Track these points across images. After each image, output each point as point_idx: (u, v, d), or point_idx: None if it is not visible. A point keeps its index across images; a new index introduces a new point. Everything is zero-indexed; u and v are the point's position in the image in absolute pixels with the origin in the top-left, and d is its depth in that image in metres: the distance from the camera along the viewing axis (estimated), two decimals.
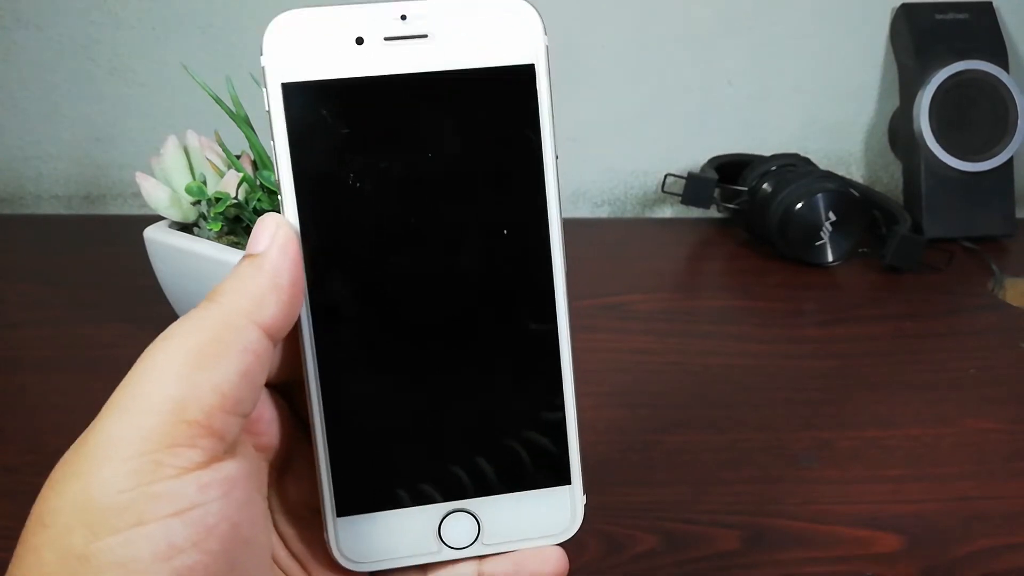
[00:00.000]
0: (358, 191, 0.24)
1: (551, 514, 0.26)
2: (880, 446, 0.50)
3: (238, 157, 0.54)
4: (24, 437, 0.49)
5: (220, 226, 0.52)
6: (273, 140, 0.24)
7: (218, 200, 0.52)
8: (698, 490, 0.46)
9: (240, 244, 0.54)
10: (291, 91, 0.24)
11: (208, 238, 0.53)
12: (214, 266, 0.52)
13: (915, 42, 0.81)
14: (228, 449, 0.22)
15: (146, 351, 0.22)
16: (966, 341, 0.63)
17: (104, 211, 0.88)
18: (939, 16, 0.81)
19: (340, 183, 0.24)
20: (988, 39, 0.80)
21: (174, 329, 0.22)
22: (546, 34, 0.25)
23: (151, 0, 0.81)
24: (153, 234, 0.54)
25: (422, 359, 0.25)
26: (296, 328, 0.24)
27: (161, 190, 0.54)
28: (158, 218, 0.55)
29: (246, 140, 0.54)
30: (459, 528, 0.26)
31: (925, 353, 0.61)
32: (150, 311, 0.59)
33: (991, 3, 0.82)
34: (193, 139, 0.55)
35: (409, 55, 0.24)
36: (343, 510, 0.25)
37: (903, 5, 0.83)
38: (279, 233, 0.23)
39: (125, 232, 0.62)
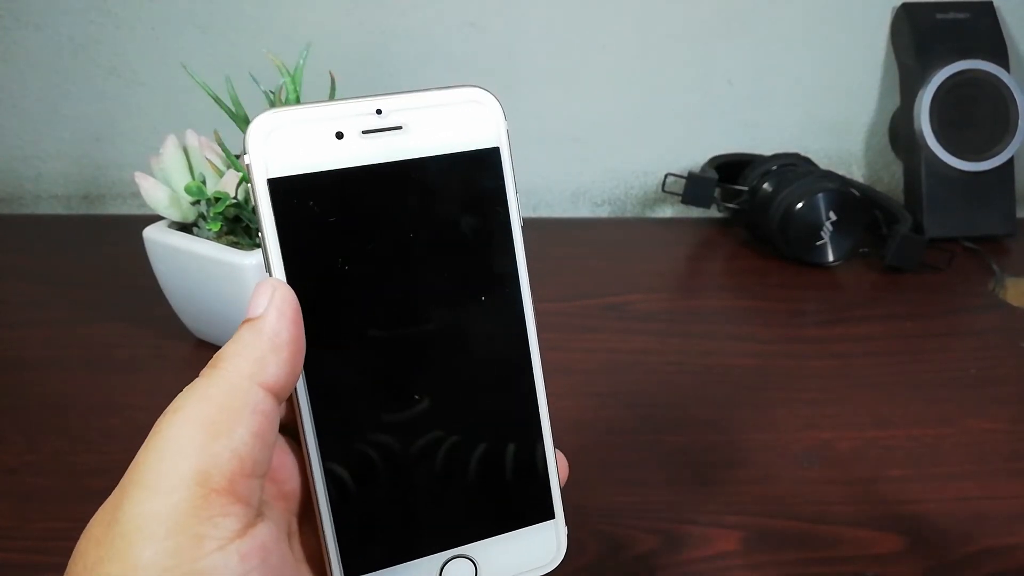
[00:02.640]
0: (346, 273, 0.26)
1: (539, 547, 0.28)
2: (880, 446, 0.49)
3: (237, 157, 0.54)
4: (24, 437, 0.49)
5: (219, 226, 0.52)
6: (262, 232, 0.25)
7: (217, 200, 0.52)
8: (698, 490, 0.46)
9: (240, 244, 0.53)
10: (277, 186, 0.25)
11: (207, 238, 0.53)
12: (213, 266, 0.52)
13: (916, 41, 0.81)
14: (258, 513, 0.22)
15: (156, 426, 0.22)
16: (967, 341, 0.63)
17: (103, 211, 0.88)
18: (940, 16, 0.81)
19: (329, 267, 0.26)
20: (988, 38, 0.80)
21: (181, 401, 0.22)
22: (506, 119, 0.27)
23: (151, 0, 0.81)
24: (152, 234, 0.54)
25: (413, 419, 0.27)
26: (294, 403, 0.26)
27: (160, 190, 0.54)
28: (157, 218, 0.55)
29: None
30: (458, 573, 0.27)
31: (925, 353, 0.61)
32: (150, 311, 0.59)
33: (991, 3, 0.82)
34: (192, 139, 0.55)
35: (386, 145, 0.26)
36: (351, 571, 0.26)
37: (903, 5, 0.83)
38: (276, 295, 0.24)
39: (124, 232, 0.62)
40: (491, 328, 0.28)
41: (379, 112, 0.26)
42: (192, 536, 0.20)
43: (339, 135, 0.26)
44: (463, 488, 0.27)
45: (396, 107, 0.26)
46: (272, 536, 0.22)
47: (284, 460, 0.26)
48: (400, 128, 0.26)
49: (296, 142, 0.25)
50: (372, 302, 0.26)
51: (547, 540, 0.29)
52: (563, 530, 0.29)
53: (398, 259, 0.26)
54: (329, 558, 0.26)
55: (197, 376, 0.23)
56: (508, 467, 0.28)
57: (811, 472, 0.47)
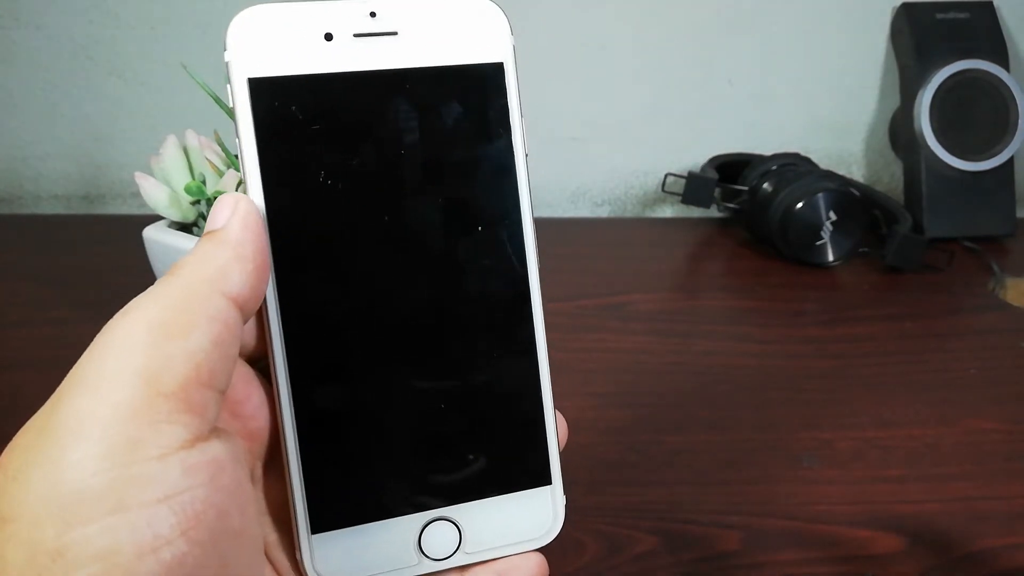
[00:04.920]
0: (327, 187, 0.24)
1: (533, 516, 0.26)
2: (880, 446, 0.49)
3: (237, 157, 0.54)
4: None
5: None
6: (239, 137, 0.23)
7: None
8: (698, 490, 0.45)
9: None
10: (258, 87, 0.23)
11: None
12: None
13: (916, 41, 0.81)
14: (211, 429, 0.20)
15: (107, 325, 0.20)
16: (967, 341, 0.63)
17: (103, 211, 0.88)
18: (939, 15, 0.81)
19: (309, 179, 0.23)
20: (988, 38, 0.80)
21: (136, 302, 0.20)
22: (513, 34, 0.25)
23: (151, 0, 0.81)
24: (152, 234, 0.54)
25: (395, 361, 0.24)
26: (266, 334, 0.24)
27: (160, 190, 0.54)
28: (157, 218, 0.55)
29: None
30: (440, 538, 0.25)
31: (925, 353, 0.61)
32: None
33: (991, 2, 0.82)
34: (192, 139, 0.55)
35: (379, 51, 0.24)
36: (318, 527, 0.24)
37: (903, 4, 0.83)
38: (239, 207, 0.23)
39: (125, 232, 0.62)
40: (487, 262, 0.25)
41: (373, 15, 0.24)
42: (130, 439, 0.18)
43: (328, 36, 0.23)
44: (449, 442, 0.25)
45: (392, 11, 0.24)
46: (228, 455, 0.20)
47: (251, 393, 0.23)
48: (395, 34, 0.24)
49: (281, 41, 0.23)
50: (355, 222, 0.24)
51: (542, 508, 0.26)
52: (561, 499, 0.26)
53: (386, 178, 0.24)
54: (295, 509, 0.24)
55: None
56: (501, 423, 0.25)
57: (811, 472, 0.47)
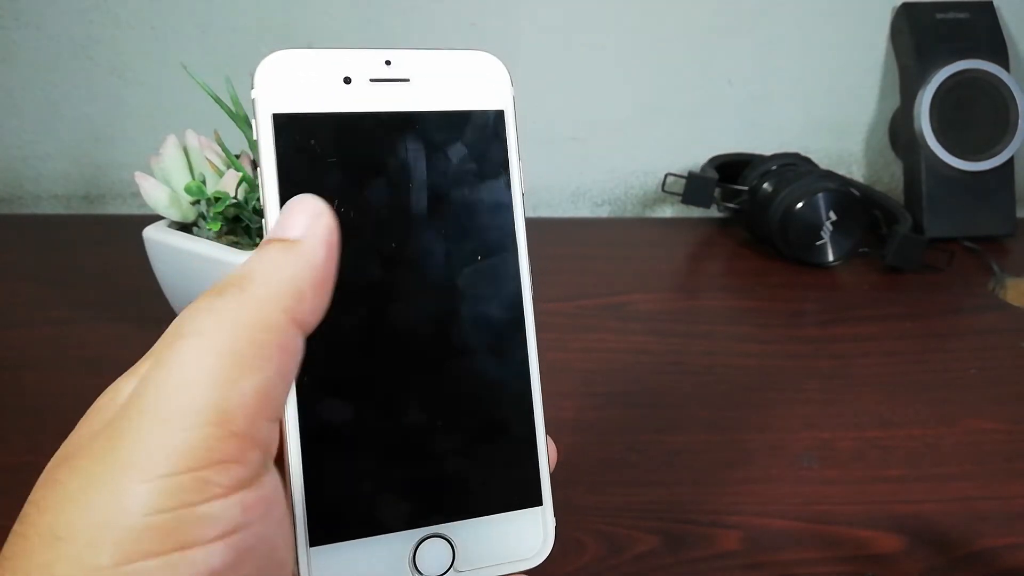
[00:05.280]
0: (340, 216, 0.25)
1: (523, 537, 0.27)
2: (880, 446, 0.49)
3: (237, 157, 0.54)
4: (24, 437, 0.49)
5: (219, 226, 0.52)
6: (260, 167, 0.25)
7: (217, 200, 0.52)
8: (698, 490, 0.45)
9: (240, 244, 0.53)
10: (281, 122, 0.25)
11: (207, 238, 0.53)
12: (213, 266, 0.52)
13: (915, 42, 0.81)
14: (267, 461, 0.20)
15: (173, 348, 0.19)
16: (967, 341, 0.63)
17: (103, 211, 0.88)
18: (939, 15, 0.81)
19: None
20: (988, 38, 0.80)
21: (202, 323, 0.19)
22: (513, 86, 0.28)
23: (151, 0, 0.81)
24: (152, 234, 0.54)
25: (396, 382, 0.26)
26: None
27: (160, 190, 0.54)
28: (158, 218, 0.55)
29: (245, 140, 0.54)
30: (433, 554, 0.26)
31: (925, 353, 0.61)
32: (150, 311, 0.59)
33: (991, 2, 0.82)
34: (192, 139, 0.55)
35: (392, 95, 0.26)
36: (316, 539, 0.25)
37: (903, 4, 0.83)
38: (320, 221, 0.21)
39: (125, 232, 0.62)
40: (484, 291, 0.27)
41: (388, 63, 0.26)
42: (197, 479, 0.18)
43: (347, 80, 0.26)
44: (445, 462, 0.26)
45: (405, 60, 0.27)
46: (276, 487, 0.20)
47: None
48: (407, 80, 0.27)
49: (304, 82, 0.25)
50: (363, 250, 0.26)
51: (533, 529, 0.27)
52: (551, 521, 0.27)
53: (394, 210, 0.26)
54: (295, 522, 0.24)
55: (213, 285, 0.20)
56: (495, 444, 0.27)
57: (811, 472, 0.47)
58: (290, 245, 0.21)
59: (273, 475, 0.20)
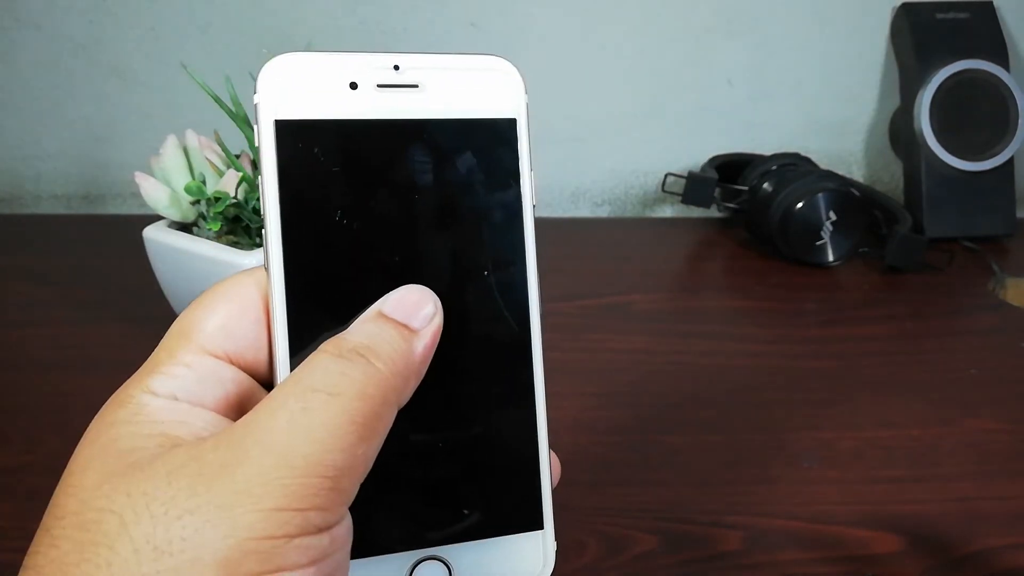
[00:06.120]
0: (343, 227, 0.25)
1: (523, 560, 0.26)
2: (880, 446, 0.49)
3: (237, 157, 0.54)
4: (24, 437, 0.49)
5: (219, 226, 0.52)
6: (261, 175, 0.24)
7: (217, 200, 0.52)
8: (698, 490, 0.45)
9: (240, 244, 0.53)
10: (283, 128, 0.24)
11: (207, 238, 0.53)
12: (213, 266, 0.52)
13: (915, 41, 0.81)
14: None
15: (306, 400, 0.21)
16: (967, 341, 0.63)
17: (104, 211, 0.88)
18: (939, 15, 0.81)
19: (326, 219, 0.24)
20: (988, 38, 0.80)
21: (336, 384, 0.21)
22: (527, 93, 0.27)
23: (151, 0, 0.81)
24: (152, 234, 0.54)
25: None
26: (275, 368, 0.24)
27: (160, 190, 0.54)
28: (158, 218, 0.55)
29: (245, 140, 0.54)
30: None
31: (925, 353, 0.61)
32: (150, 311, 0.59)
33: (991, 2, 0.82)
34: (192, 139, 0.55)
35: (399, 102, 0.25)
36: None
37: (903, 4, 0.83)
38: (436, 320, 0.24)
39: (125, 232, 0.62)
40: (490, 307, 0.26)
41: (397, 68, 0.25)
42: (302, 517, 0.20)
43: (353, 86, 0.25)
44: (445, 484, 0.25)
45: (415, 65, 0.25)
46: (351, 524, 0.22)
47: None
48: (416, 87, 0.25)
49: (309, 87, 0.24)
50: (366, 262, 0.25)
51: (533, 553, 0.26)
52: (552, 545, 0.27)
53: (399, 221, 0.25)
54: None
55: (342, 348, 0.22)
56: (496, 467, 0.26)
57: (811, 472, 0.47)
58: (409, 333, 0.23)
59: (348, 517, 0.22)
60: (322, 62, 0.25)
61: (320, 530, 0.20)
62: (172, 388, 0.23)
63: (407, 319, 0.23)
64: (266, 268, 0.24)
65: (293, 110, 0.24)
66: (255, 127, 0.24)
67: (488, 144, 0.26)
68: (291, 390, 0.21)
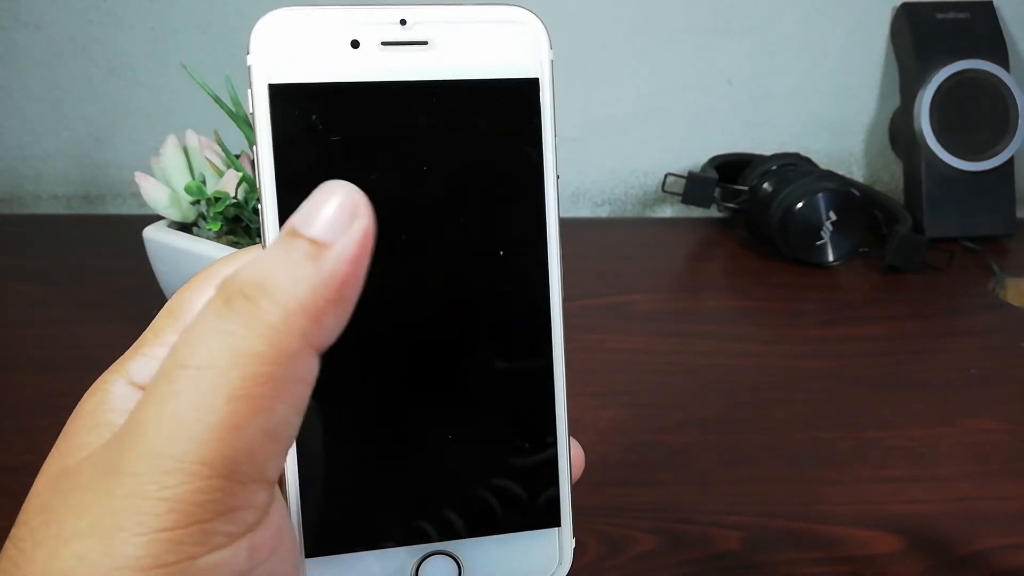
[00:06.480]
0: None
1: (537, 558, 0.25)
2: (880, 446, 0.49)
3: (237, 157, 0.54)
4: (24, 437, 0.49)
5: (219, 226, 0.52)
6: (256, 144, 0.22)
7: (217, 200, 0.52)
8: (698, 490, 0.45)
9: (240, 244, 0.53)
10: (278, 93, 0.22)
11: (207, 238, 0.53)
12: None
13: (915, 41, 0.81)
14: (273, 492, 0.18)
15: (175, 382, 0.17)
16: (967, 341, 0.63)
17: (103, 211, 0.88)
18: (939, 15, 0.81)
19: None
20: (988, 38, 0.80)
21: (208, 351, 0.17)
22: (551, 48, 0.24)
23: (151, 0, 0.81)
24: (152, 234, 0.54)
25: (404, 387, 0.23)
26: None
27: (160, 190, 0.54)
28: (158, 218, 0.55)
29: (245, 140, 0.54)
30: (438, 572, 0.24)
31: (925, 353, 0.61)
32: (150, 311, 0.59)
33: (991, 2, 0.82)
34: (192, 139, 0.55)
35: (407, 62, 0.23)
36: (311, 550, 0.23)
37: (903, 4, 0.83)
38: (357, 224, 0.18)
39: (125, 232, 0.62)
40: (507, 291, 0.24)
41: (403, 23, 0.23)
42: (201, 531, 0.16)
43: (355, 44, 0.22)
44: (454, 474, 0.24)
45: (423, 19, 0.23)
46: (283, 516, 0.19)
47: None
48: (425, 43, 0.23)
49: (306, 47, 0.22)
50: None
51: (548, 551, 0.25)
52: (569, 542, 0.25)
53: (406, 195, 0.23)
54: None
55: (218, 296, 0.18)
56: (511, 458, 0.24)
57: (811, 472, 0.47)
58: (316, 250, 0.17)
59: (279, 504, 0.19)
60: (320, 18, 0.22)
61: (232, 538, 0.17)
62: (151, 370, 0.20)
63: (311, 229, 0.18)
64: (263, 247, 0.23)
65: (289, 73, 0.22)
66: (248, 91, 0.22)
67: (507, 108, 0.23)
68: (163, 368, 0.17)
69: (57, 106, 0.84)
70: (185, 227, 0.55)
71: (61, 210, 0.87)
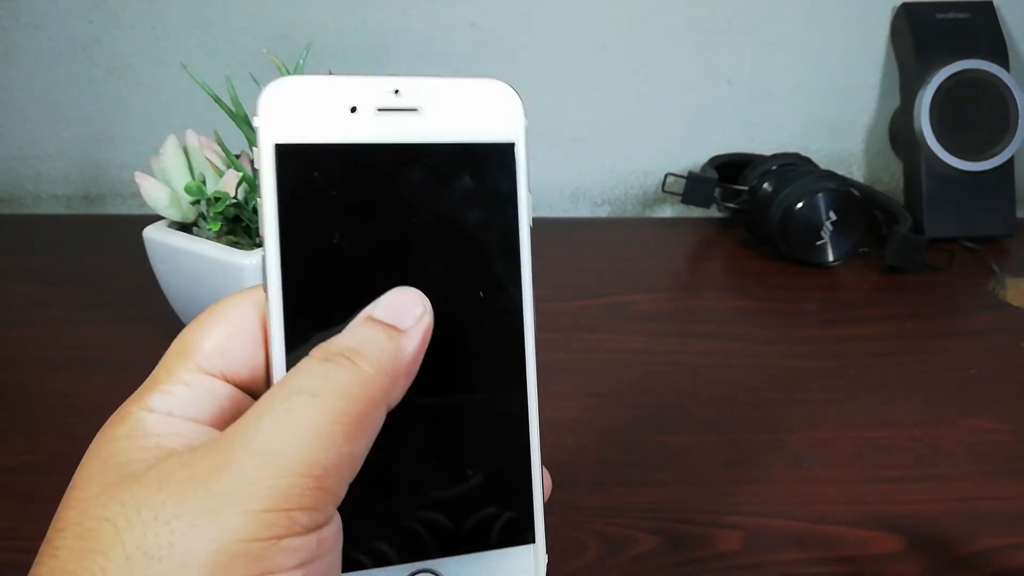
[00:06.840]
0: (342, 250, 0.25)
1: (515, 572, 0.27)
2: (880, 446, 0.49)
3: (237, 157, 0.54)
4: (24, 437, 0.49)
5: (219, 226, 0.52)
6: (261, 197, 0.24)
7: (217, 200, 0.52)
8: (698, 490, 0.45)
9: (240, 244, 0.53)
10: (283, 152, 0.24)
11: (207, 238, 0.53)
12: (213, 266, 0.52)
13: (915, 41, 0.81)
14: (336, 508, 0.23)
15: (289, 402, 0.21)
16: (967, 341, 0.63)
17: (103, 211, 0.88)
18: (939, 15, 0.81)
19: (325, 242, 0.25)
20: (988, 38, 0.80)
21: (317, 385, 0.22)
22: (526, 117, 0.27)
23: (151, 0, 0.81)
24: (152, 234, 0.54)
25: (394, 416, 0.25)
26: (270, 383, 0.24)
27: (160, 190, 0.54)
28: (158, 218, 0.55)
29: (245, 140, 0.54)
30: None
31: (925, 353, 0.61)
32: (150, 311, 0.59)
33: (991, 2, 0.82)
34: (192, 139, 0.55)
35: (400, 126, 0.25)
36: None
37: (903, 4, 0.83)
38: (425, 318, 0.24)
39: (125, 232, 0.62)
40: (486, 328, 0.26)
41: (397, 92, 0.26)
42: (287, 517, 0.20)
43: (353, 109, 0.25)
44: (437, 496, 0.26)
45: (415, 89, 0.26)
46: (340, 528, 0.23)
47: None
48: (416, 110, 0.26)
49: (309, 111, 0.25)
50: (364, 285, 0.25)
51: (525, 566, 0.27)
52: (543, 558, 0.27)
53: (396, 243, 0.25)
54: None
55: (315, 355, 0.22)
56: (488, 480, 0.26)
57: (811, 472, 0.47)
58: (396, 334, 0.23)
59: (338, 518, 0.22)
60: (323, 85, 0.25)
61: (308, 531, 0.21)
62: (169, 405, 0.23)
63: (395, 320, 0.24)
64: (264, 289, 0.24)
65: (293, 134, 0.24)
66: (255, 149, 0.24)
67: (486, 168, 0.26)
68: (276, 394, 0.22)
69: (57, 106, 0.84)
70: (185, 227, 0.55)
71: (61, 210, 0.87)
